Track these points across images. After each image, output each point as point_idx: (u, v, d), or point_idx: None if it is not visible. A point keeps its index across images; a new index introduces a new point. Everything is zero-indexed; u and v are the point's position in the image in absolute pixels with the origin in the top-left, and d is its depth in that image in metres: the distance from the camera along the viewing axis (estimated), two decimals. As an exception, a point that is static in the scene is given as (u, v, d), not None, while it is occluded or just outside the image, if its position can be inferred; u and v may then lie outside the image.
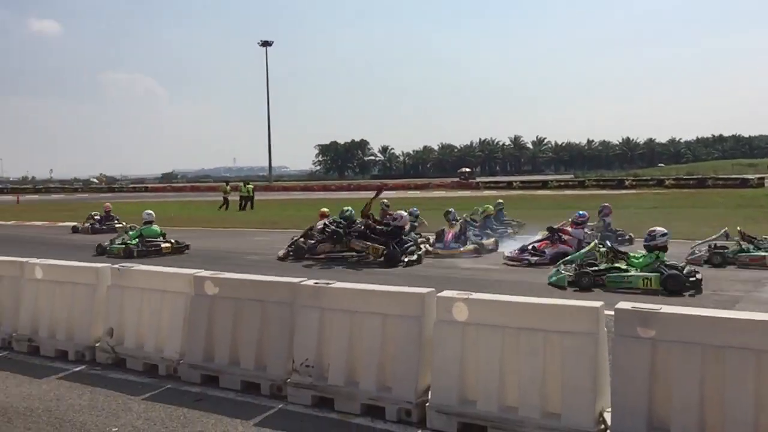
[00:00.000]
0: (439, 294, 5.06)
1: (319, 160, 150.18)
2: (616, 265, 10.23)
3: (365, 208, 14.30)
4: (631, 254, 10.50)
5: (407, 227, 14.99)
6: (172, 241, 16.39)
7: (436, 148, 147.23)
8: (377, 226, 14.12)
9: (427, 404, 4.86)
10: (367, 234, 13.86)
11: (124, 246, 15.61)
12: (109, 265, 7.07)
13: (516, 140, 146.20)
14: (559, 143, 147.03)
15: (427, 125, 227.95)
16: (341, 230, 13.82)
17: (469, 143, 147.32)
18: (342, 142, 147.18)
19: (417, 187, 63.42)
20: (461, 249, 14.25)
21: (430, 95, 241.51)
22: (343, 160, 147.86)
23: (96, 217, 22.54)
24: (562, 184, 60.13)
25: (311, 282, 5.70)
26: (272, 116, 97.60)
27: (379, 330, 5.20)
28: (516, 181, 63.58)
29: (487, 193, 51.98)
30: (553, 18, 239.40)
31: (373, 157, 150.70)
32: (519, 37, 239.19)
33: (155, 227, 16.55)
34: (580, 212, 13.74)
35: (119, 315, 6.67)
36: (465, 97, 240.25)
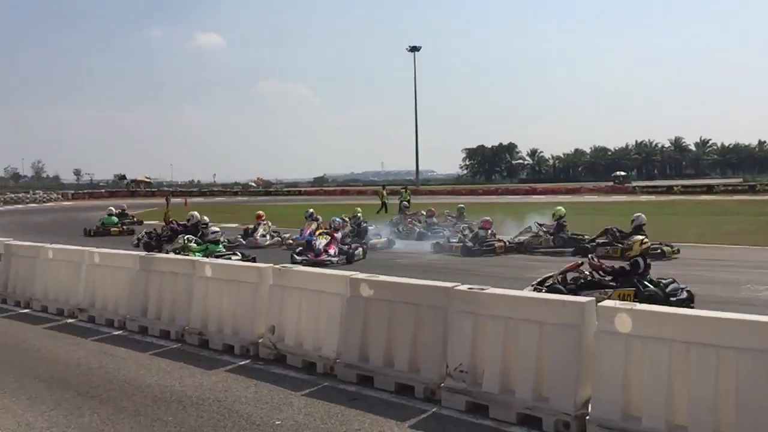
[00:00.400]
0: (600, 304, 4.87)
1: (466, 164, 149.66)
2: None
3: (165, 216, 16.42)
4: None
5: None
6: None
7: (588, 150, 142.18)
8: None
9: (587, 417, 4.68)
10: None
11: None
12: (272, 265, 7.43)
13: (677, 142, 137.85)
14: (726, 145, 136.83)
15: (578, 127, 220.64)
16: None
17: (624, 145, 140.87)
18: (489, 146, 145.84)
19: (568, 192, 61.59)
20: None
21: (581, 96, 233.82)
22: (490, 163, 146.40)
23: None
24: (730, 188, 55.86)
25: (465, 287, 5.67)
26: (419, 120, 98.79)
27: (535, 338, 5.09)
28: (677, 186, 59.91)
29: (644, 198, 49.53)
30: (711, 10, 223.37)
31: (521, 161, 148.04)
32: (677, 32, 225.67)
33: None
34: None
35: (280, 313, 6.99)
36: (618, 98, 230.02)
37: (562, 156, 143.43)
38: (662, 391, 4.41)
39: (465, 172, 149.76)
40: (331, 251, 14.91)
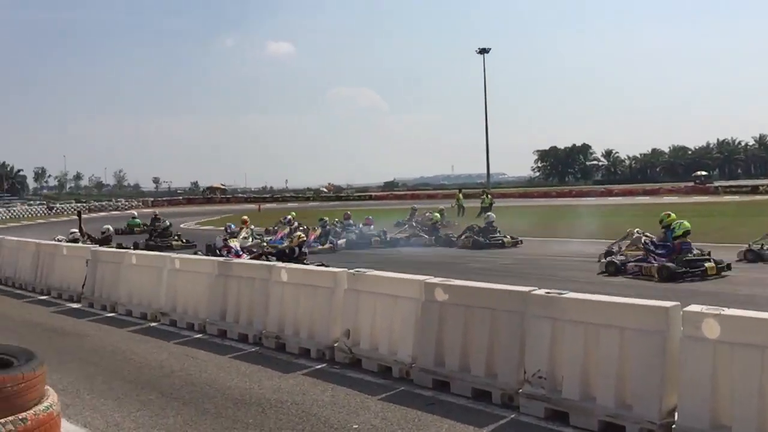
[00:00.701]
0: (685, 309, 4.69)
1: (538, 166, 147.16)
2: None
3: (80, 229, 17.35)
4: None
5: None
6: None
7: (666, 150, 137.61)
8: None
9: (674, 426, 4.51)
10: None
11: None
12: (345, 270, 7.49)
13: (762, 139, 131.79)
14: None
15: (655, 127, 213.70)
16: None
17: (704, 144, 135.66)
18: (562, 147, 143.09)
19: (645, 193, 59.73)
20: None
21: (657, 94, 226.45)
22: (563, 165, 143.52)
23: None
24: (821, 188, 52.87)
25: (542, 291, 5.57)
26: (490, 123, 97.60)
27: (616, 343, 4.95)
28: (762, 185, 57.20)
29: (727, 198, 47.59)
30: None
31: (595, 162, 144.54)
32: (759, 27, 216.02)
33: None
34: None
35: (355, 317, 7.04)
36: (698, 95, 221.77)
37: (638, 156, 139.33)
38: (754, 399, 4.21)
39: (537, 174, 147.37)
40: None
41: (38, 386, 3.16)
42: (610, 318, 5.04)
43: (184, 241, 22.50)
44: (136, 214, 33.67)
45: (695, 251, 12.17)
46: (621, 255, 13.11)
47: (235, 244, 16.98)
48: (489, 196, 34.41)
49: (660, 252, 12.14)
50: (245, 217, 22.48)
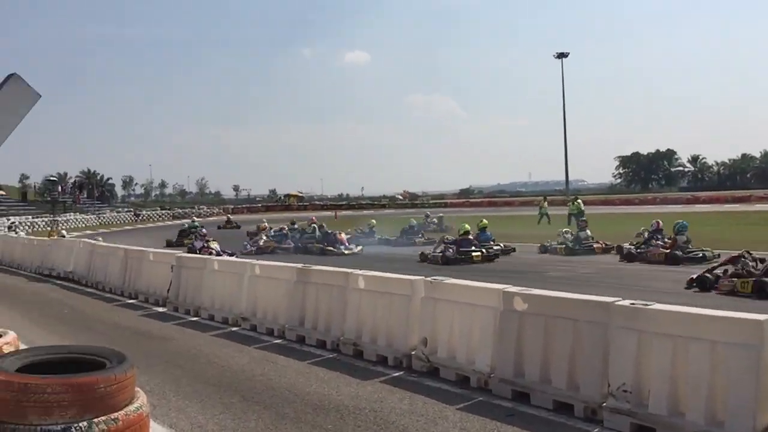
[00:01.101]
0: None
1: (619, 173, 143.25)
2: None
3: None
4: None
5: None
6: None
7: (757, 155, 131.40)
8: None
9: (769, 445, 4.28)
10: None
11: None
12: (423, 277, 7.47)
13: None
14: None
15: (746, 131, 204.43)
16: None
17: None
18: (645, 153, 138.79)
19: (735, 200, 57.24)
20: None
21: (746, 96, 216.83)
22: (646, 171, 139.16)
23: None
24: None
25: (627, 302, 5.40)
26: (568, 128, 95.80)
27: (706, 357, 4.74)
28: None
29: (823, 205, 45.01)
30: None
31: (681, 168, 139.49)
32: None
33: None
34: None
35: (432, 325, 7.00)
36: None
37: (727, 162, 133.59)
38: None
39: (619, 180, 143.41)
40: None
41: (129, 387, 3.27)
42: (701, 331, 4.83)
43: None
44: (195, 219, 38.23)
45: None
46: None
47: (215, 245, 20.88)
48: (577, 201, 31.68)
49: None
50: (264, 224, 26.66)
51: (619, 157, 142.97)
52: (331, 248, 21.92)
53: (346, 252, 21.70)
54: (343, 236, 23.01)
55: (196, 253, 18.07)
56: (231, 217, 49.62)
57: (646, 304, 5.25)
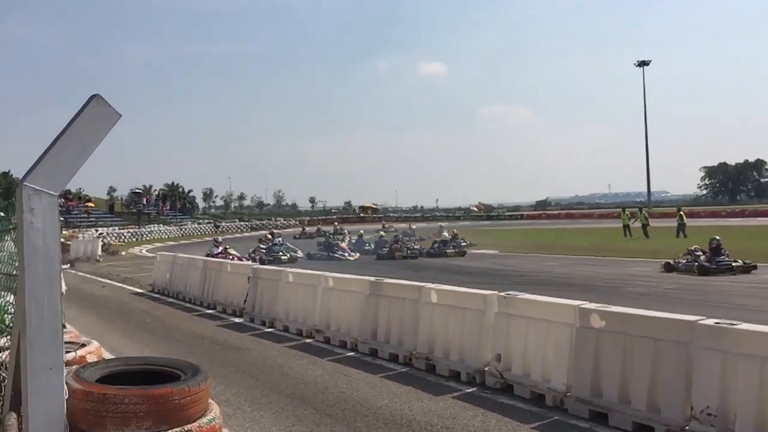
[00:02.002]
0: None
1: (705, 184, 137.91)
2: None
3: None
4: None
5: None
6: None
7: None
8: None
9: None
10: None
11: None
12: (496, 292, 7.35)
13: None
14: None
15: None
16: None
17: None
18: (733, 163, 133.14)
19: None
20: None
21: None
22: (734, 183, 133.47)
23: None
24: None
25: (711, 321, 5.15)
26: (650, 138, 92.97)
27: (799, 382, 4.46)
28: None
29: None
30: None
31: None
32: None
33: None
34: None
35: (505, 341, 6.88)
36: None
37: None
38: None
39: (704, 192, 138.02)
40: None
41: (203, 400, 3.32)
42: (792, 353, 4.56)
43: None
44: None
45: None
46: None
47: (233, 251, 24.21)
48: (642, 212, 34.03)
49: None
50: (269, 234, 30.19)
51: (704, 167, 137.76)
52: (336, 255, 25.86)
53: (351, 258, 25.92)
54: (344, 245, 27.90)
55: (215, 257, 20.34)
56: (306, 228, 51.38)
57: (732, 324, 5.00)
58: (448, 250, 26.21)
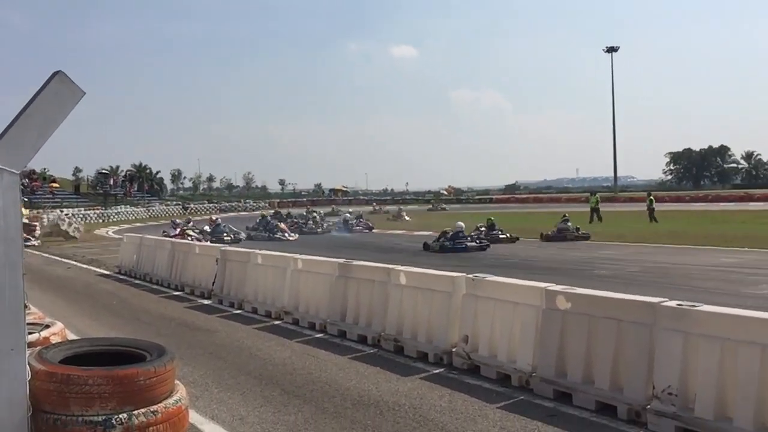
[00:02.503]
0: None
1: (670, 169, 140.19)
2: None
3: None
4: None
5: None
6: None
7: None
8: None
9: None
10: None
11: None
12: (464, 275, 7.40)
13: None
14: None
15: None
16: None
17: None
18: (697, 149, 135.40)
19: (790, 197, 55.42)
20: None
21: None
22: (698, 168, 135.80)
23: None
24: None
25: (674, 303, 5.26)
26: (618, 124, 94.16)
27: (756, 362, 4.58)
28: None
29: None
30: None
31: (734, 165, 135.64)
32: None
33: None
34: None
35: (473, 323, 6.94)
36: None
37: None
38: None
39: (669, 177, 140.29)
40: None
41: (169, 380, 3.32)
42: (751, 334, 4.67)
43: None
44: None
45: None
46: None
47: (192, 232, 25.59)
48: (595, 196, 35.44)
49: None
50: (213, 216, 32.96)
51: (669, 153, 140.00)
52: (276, 236, 27.53)
53: (291, 239, 27.72)
54: (284, 225, 29.76)
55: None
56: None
57: (693, 305, 5.10)
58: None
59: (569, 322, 5.95)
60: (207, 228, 27.53)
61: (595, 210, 33.66)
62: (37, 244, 27.31)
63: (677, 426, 4.89)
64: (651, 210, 32.57)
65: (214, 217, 31.18)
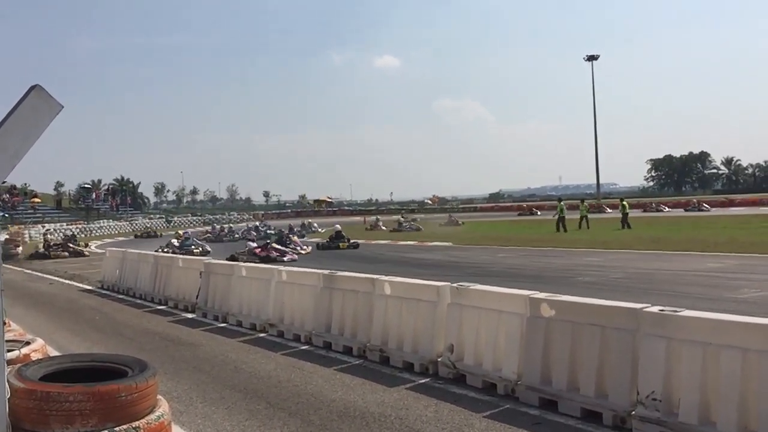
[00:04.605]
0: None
1: (651, 176, 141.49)
2: None
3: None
4: None
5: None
6: None
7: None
8: None
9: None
10: None
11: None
12: (449, 284, 7.40)
13: None
14: None
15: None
16: None
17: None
18: (678, 155, 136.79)
19: (771, 202, 56.08)
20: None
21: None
22: (679, 174, 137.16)
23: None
24: None
25: (656, 309, 5.29)
26: (599, 132, 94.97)
27: (738, 365, 4.62)
28: None
29: None
30: None
31: (715, 171, 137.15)
32: None
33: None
34: None
35: (458, 332, 6.94)
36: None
37: (763, 164, 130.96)
38: None
39: (651, 183, 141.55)
40: None
41: (151, 396, 3.28)
42: (732, 338, 4.71)
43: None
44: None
45: None
46: None
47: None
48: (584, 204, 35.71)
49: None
50: (180, 232, 34.29)
51: (651, 160, 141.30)
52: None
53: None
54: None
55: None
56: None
57: (675, 311, 5.14)
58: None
59: (554, 329, 5.96)
60: (175, 241, 28.33)
61: (583, 217, 33.83)
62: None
63: (661, 431, 4.91)
64: (625, 216, 32.81)
65: (181, 232, 33.03)
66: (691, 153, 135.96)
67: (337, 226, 26.71)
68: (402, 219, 45.16)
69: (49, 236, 36.04)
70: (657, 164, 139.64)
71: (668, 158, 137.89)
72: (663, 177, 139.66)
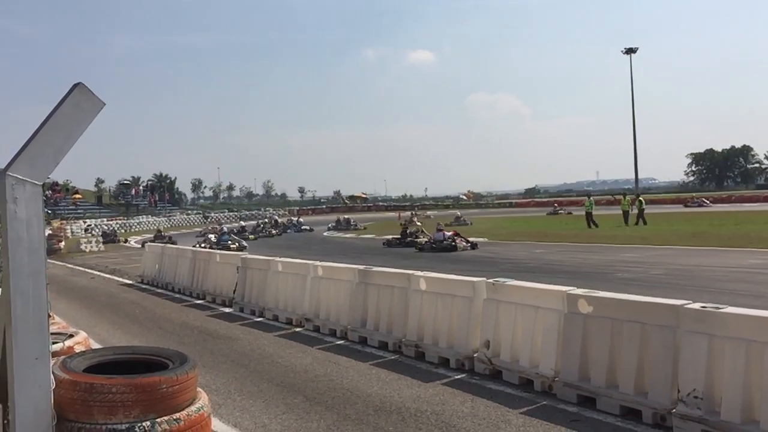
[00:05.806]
0: None
1: (692, 170, 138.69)
2: None
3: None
4: None
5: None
6: None
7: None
8: None
9: None
10: None
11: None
12: (485, 279, 7.37)
13: None
14: None
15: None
16: None
17: None
18: (719, 150, 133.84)
19: (816, 197, 54.57)
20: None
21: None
22: (721, 169, 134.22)
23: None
24: None
25: (697, 305, 5.19)
26: (638, 125, 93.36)
27: (783, 364, 4.50)
28: None
29: None
30: None
31: (758, 165, 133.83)
32: None
33: None
34: None
35: (494, 328, 6.91)
36: None
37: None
38: None
39: (691, 178, 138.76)
40: None
41: (191, 388, 3.33)
42: (777, 335, 4.60)
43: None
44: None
45: None
46: None
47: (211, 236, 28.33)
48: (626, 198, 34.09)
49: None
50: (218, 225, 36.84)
51: (691, 154, 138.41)
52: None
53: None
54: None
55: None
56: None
57: (717, 307, 5.03)
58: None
59: (592, 325, 5.90)
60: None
61: (633, 212, 32.55)
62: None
63: (703, 430, 4.82)
64: (641, 212, 31.73)
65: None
66: (733, 147, 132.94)
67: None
68: (459, 213, 45.51)
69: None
70: (698, 158, 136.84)
71: (709, 152, 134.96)
72: (704, 171, 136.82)
